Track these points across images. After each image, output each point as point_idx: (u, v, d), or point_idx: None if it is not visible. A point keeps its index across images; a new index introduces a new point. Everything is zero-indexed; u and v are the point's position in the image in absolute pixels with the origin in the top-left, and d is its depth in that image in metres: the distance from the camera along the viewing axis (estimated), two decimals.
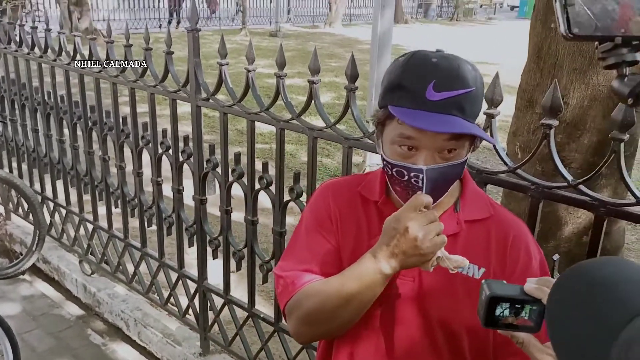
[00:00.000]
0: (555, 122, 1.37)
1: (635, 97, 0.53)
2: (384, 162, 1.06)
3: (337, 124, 1.80)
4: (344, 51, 13.95)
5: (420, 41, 16.17)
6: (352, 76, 1.70)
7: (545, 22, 2.27)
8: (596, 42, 0.51)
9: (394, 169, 1.03)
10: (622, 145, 1.29)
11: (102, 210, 3.00)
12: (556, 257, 1.49)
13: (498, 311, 0.71)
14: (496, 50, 13.57)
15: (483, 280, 0.74)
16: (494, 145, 1.46)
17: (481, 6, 28.32)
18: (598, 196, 1.36)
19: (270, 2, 22.12)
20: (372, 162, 4.25)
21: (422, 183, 1.00)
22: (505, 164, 1.48)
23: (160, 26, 17.85)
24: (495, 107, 1.44)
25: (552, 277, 1.48)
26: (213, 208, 2.38)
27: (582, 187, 1.37)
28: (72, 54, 2.79)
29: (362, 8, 25.65)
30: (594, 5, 0.49)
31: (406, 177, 1.02)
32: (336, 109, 6.92)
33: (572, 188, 1.39)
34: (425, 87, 0.96)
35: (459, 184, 1.15)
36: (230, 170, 2.18)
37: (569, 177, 1.38)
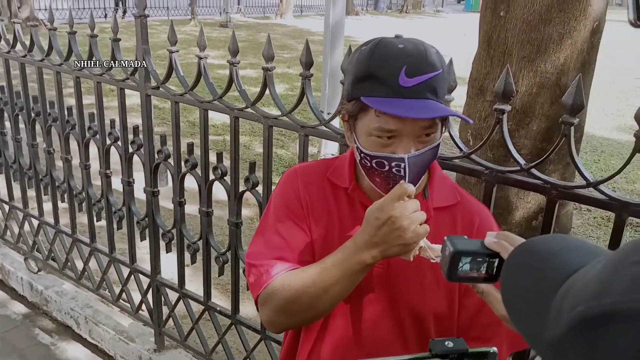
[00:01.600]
0: (507, 107, 1.39)
1: None
2: (362, 155, 1.03)
3: (293, 112, 1.78)
4: (296, 42, 13.89)
5: (372, 33, 16.26)
6: (307, 63, 1.68)
7: (494, 10, 2.31)
8: None
9: (374, 161, 1.01)
10: (572, 129, 1.33)
11: (47, 205, 2.87)
12: None
13: (460, 265, 0.74)
14: (445, 42, 13.82)
15: (446, 237, 0.77)
16: (449, 131, 1.48)
17: None
18: (550, 179, 1.40)
19: None
20: (326, 152, 4.25)
21: (405, 172, 1.00)
22: (460, 149, 1.50)
23: (105, 16, 17.27)
24: (449, 93, 1.45)
25: None
26: (165, 201, 2.32)
27: (534, 170, 1.40)
28: (11, 42, 2.65)
29: None
30: None
31: (387, 168, 1.01)
32: (290, 100, 6.89)
33: (524, 172, 1.42)
34: (397, 73, 0.95)
35: (427, 170, 1.15)
36: (183, 161, 2.12)
37: (522, 161, 1.41)
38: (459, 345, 0.73)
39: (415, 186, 1.02)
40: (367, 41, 1.03)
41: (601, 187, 1.31)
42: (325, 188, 1.16)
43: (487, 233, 0.81)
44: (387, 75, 0.96)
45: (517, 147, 2.36)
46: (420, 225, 0.98)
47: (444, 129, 1.08)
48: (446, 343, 0.73)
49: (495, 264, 0.75)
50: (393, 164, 1.00)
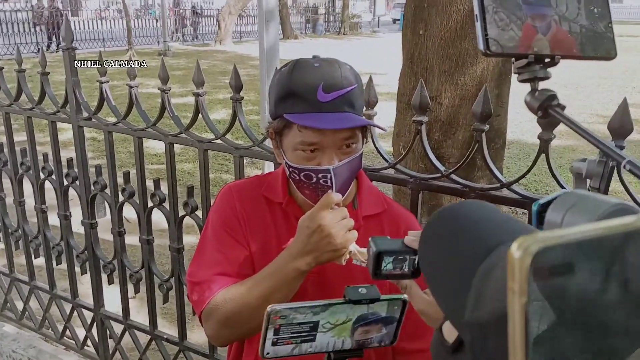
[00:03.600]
0: (425, 119, 1.49)
1: (544, 110, 0.61)
2: (290, 169, 1.10)
3: (227, 134, 1.82)
4: (237, 68, 13.94)
5: (311, 55, 16.53)
6: (237, 87, 1.74)
7: (414, 29, 2.45)
8: (512, 59, 0.59)
9: (302, 174, 1.08)
10: (483, 135, 1.43)
11: None
12: None
13: (384, 264, 0.79)
14: (382, 61, 14.21)
15: (370, 238, 0.82)
16: (374, 144, 1.56)
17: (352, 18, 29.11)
18: (468, 183, 1.50)
19: (157, 21, 21.65)
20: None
21: (331, 182, 1.07)
22: (386, 160, 1.58)
23: (38, 50, 16.83)
24: (372, 108, 1.54)
25: None
26: (105, 233, 2.29)
27: (454, 176, 1.49)
28: None
29: (252, 25, 25.79)
30: (504, 32, 0.56)
31: (314, 179, 1.07)
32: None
33: (445, 178, 1.51)
34: (315, 90, 1.03)
35: (355, 181, 1.22)
36: (120, 190, 2.12)
37: (442, 168, 1.50)
38: (372, 292, 0.78)
39: (343, 195, 1.10)
40: (286, 63, 1.11)
41: (514, 187, 1.42)
42: (261, 204, 1.21)
43: (408, 232, 0.86)
44: (306, 92, 1.04)
45: (446, 156, 2.50)
46: (349, 231, 1.05)
47: (365, 140, 1.16)
48: (360, 290, 0.78)
49: (416, 260, 0.81)
50: (320, 175, 1.07)
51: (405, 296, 0.81)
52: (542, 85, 0.61)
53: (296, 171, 1.09)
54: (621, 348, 0.34)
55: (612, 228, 0.31)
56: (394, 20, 36.46)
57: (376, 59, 15.30)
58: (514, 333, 0.30)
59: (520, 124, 7.46)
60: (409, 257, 0.81)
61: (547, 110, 0.61)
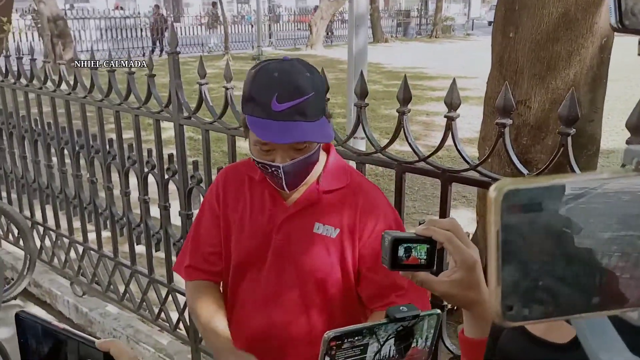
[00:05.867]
0: (508, 121, 1.49)
1: None
2: (252, 159, 1.28)
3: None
4: (326, 72, 14.15)
5: (401, 59, 16.47)
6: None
7: (504, 32, 2.42)
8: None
9: (259, 164, 1.27)
10: (569, 139, 1.41)
11: (91, 232, 3.07)
12: None
13: (400, 254, 0.81)
14: (474, 64, 13.88)
15: (383, 232, 0.84)
16: (456, 146, 1.59)
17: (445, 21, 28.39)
18: None
19: (252, 26, 22.45)
20: None
21: (282, 176, 1.24)
22: (467, 162, 1.60)
23: (143, 54, 18.03)
24: (454, 110, 1.56)
25: None
26: None
27: None
28: (57, 82, 2.89)
29: (343, 29, 26.06)
30: None
31: (269, 170, 1.25)
32: None
33: None
34: (270, 99, 1.16)
35: (325, 158, 1.38)
36: None
37: (525, 171, 1.50)
38: (412, 309, 0.81)
39: (298, 186, 1.30)
40: (256, 64, 1.25)
41: None
42: (243, 182, 1.41)
43: (427, 220, 0.89)
44: (263, 100, 1.17)
45: (534, 162, 2.44)
46: None
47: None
48: (401, 308, 0.81)
49: (428, 249, 0.82)
50: (272, 169, 1.24)
51: (438, 311, 0.84)
52: None
53: (255, 161, 1.28)
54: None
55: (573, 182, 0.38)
56: (490, 23, 35.32)
57: (467, 62, 14.97)
58: (490, 256, 0.38)
59: (624, 132, 7.02)
60: (426, 247, 0.82)
61: None
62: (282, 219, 1.34)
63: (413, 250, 0.81)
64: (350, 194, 1.35)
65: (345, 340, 0.77)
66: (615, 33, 0.55)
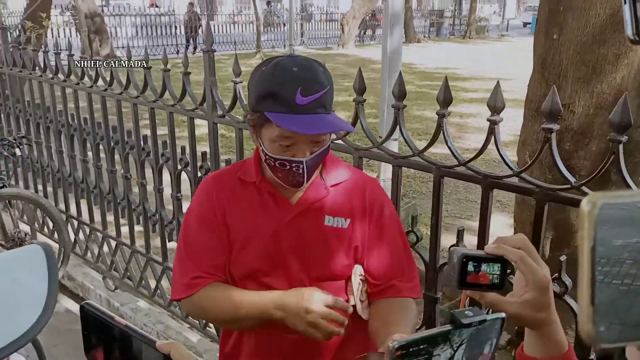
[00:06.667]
0: (555, 127, 1.43)
1: None
2: (267, 156, 1.25)
3: (347, 135, 1.88)
4: (356, 71, 14.07)
5: (434, 59, 16.28)
6: (360, 89, 1.79)
7: (547, 34, 2.34)
8: None
9: (277, 162, 1.23)
10: (620, 146, 1.34)
11: (124, 226, 3.10)
12: (563, 257, 1.53)
13: (468, 271, 0.77)
14: (509, 66, 13.63)
15: (451, 247, 0.82)
16: (500, 152, 1.53)
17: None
18: None
19: (284, 25, 22.51)
20: (386, 176, 4.31)
21: (304, 171, 1.23)
22: (511, 168, 1.54)
23: (177, 52, 18.22)
24: (497, 114, 1.51)
25: (561, 278, 1.53)
26: None
27: (585, 188, 1.42)
28: (93, 77, 2.92)
29: (374, 29, 25.92)
30: None
31: (288, 167, 1.23)
32: None
33: (575, 190, 1.44)
34: (294, 94, 1.16)
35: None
36: None
37: (572, 179, 1.43)
38: (478, 313, 0.77)
39: (312, 179, 1.30)
40: (264, 62, 1.24)
41: None
42: (236, 187, 1.36)
43: (497, 239, 0.83)
44: (286, 95, 1.16)
45: (577, 168, 2.36)
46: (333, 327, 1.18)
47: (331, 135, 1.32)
48: (466, 313, 0.77)
49: (499, 268, 0.78)
50: (293, 164, 1.23)
51: (503, 315, 0.79)
52: None
53: (272, 159, 1.24)
54: None
55: None
56: (525, 24, 34.76)
57: (501, 63, 14.71)
58: (582, 273, 0.36)
59: None
60: (493, 265, 0.78)
61: None
62: (289, 217, 1.32)
63: (484, 268, 0.78)
64: (355, 185, 1.38)
65: (410, 349, 0.74)
66: None
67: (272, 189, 1.33)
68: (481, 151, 1.60)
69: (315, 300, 1.19)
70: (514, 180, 1.55)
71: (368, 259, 1.37)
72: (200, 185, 1.42)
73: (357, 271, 1.35)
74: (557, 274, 1.55)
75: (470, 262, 0.77)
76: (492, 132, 1.53)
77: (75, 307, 3.41)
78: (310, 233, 1.32)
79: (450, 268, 0.79)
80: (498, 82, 1.49)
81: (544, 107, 1.42)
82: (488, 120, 1.52)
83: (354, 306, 1.33)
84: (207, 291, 1.30)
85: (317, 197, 1.33)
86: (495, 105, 1.49)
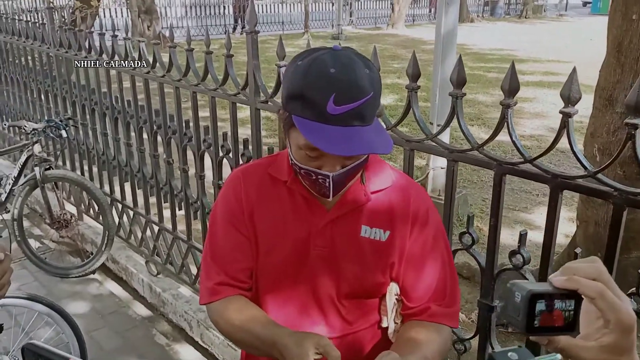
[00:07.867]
0: None
1: None
2: (292, 162, 1.12)
3: (399, 125, 1.73)
4: (406, 52, 13.73)
5: (488, 40, 15.68)
6: (414, 75, 1.63)
7: (625, 13, 2.09)
8: None
9: (302, 170, 1.10)
10: None
11: (167, 212, 3.05)
12: None
13: (537, 312, 0.63)
14: (568, 48, 12.98)
15: (510, 283, 0.66)
16: (573, 148, 1.35)
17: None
18: None
19: (332, 5, 22.19)
20: (436, 165, 4.12)
21: (329, 185, 1.08)
22: (585, 167, 1.36)
23: (225, 32, 18.25)
24: (572, 106, 1.32)
25: (638, 293, 1.35)
26: None
27: None
28: (136, 59, 2.86)
29: (425, 8, 25.25)
30: None
31: (314, 177, 1.09)
32: (398, 111, 6.81)
33: None
34: (326, 100, 0.98)
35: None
36: None
37: None
38: (524, 354, 0.63)
39: (342, 190, 1.14)
40: (302, 54, 1.06)
41: None
42: (266, 184, 1.23)
43: (561, 270, 0.67)
44: (317, 100, 0.99)
45: None
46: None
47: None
48: (509, 355, 0.63)
49: (572, 306, 0.64)
50: (319, 177, 1.08)
51: (559, 356, 0.64)
52: None
53: (297, 166, 1.11)
54: None
55: None
56: (585, 3, 33.10)
57: (560, 45, 14.01)
58: None
59: None
60: (572, 303, 0.64)
61: None
62: (322, 224, 1.18)
63: (558, 305, 0.63)
64: (399, 192, 1.22)
65: None
66: None
67: (305, 191, 1.18)
68: (551, 147, 1.43)
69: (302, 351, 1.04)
70: (589, 181, 1.37)
71: (405, 277, 1.22)
72: (228, 179, 1.29)
73: (393, 290, 1.22)
74: (633, 289, 1.37)
75: (539, 302, 0.63)
76: (564, 125, 1.35)
77: (118, 289, 3.42)
78: (344, 243, 1.19)
79: (512, 309, 0.64)
80: (574, 69, 1.30)
81: (629, 99, 1.23)
82: (561, 112, 1.34)
83: (385, 328, 1.20)
84: (222, 303, 1.20)
85: (356, 204, 1.18)
86: (570, 95, 1.31)
